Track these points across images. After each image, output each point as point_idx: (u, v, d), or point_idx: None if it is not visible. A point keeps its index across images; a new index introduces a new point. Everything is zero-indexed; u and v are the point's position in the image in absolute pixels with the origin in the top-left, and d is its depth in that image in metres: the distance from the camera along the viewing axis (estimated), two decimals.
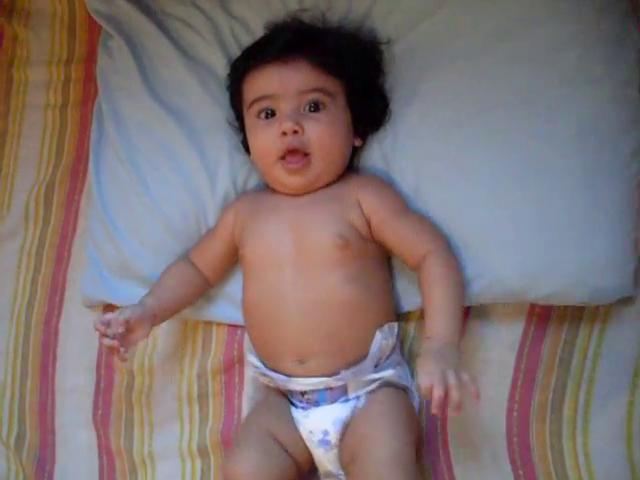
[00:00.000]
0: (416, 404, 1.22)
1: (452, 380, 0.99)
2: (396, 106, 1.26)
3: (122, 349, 1.16)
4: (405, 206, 1.21)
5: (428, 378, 0.99)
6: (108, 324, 1.16)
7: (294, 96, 1.19)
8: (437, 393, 0.97)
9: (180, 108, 1.37)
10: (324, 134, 1.19)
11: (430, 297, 1.13)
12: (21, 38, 1.61)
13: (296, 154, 1.20)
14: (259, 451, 1.14)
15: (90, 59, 1.55)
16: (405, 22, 1.26)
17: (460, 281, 1.14)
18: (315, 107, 1.20)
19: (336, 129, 1.21)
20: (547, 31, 1.15)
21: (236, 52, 1.34)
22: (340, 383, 1.16)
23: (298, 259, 1.18)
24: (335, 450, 1.16)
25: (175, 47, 1.39)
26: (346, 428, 1.15)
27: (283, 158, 1.20)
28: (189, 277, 1.30)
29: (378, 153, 1.27)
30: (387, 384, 1.18)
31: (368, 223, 1.19)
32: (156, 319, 1.24)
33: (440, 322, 1.10)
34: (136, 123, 1.39)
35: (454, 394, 0.98)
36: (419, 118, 1.23)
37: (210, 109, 1.36)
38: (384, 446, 1.07)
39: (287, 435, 1.18)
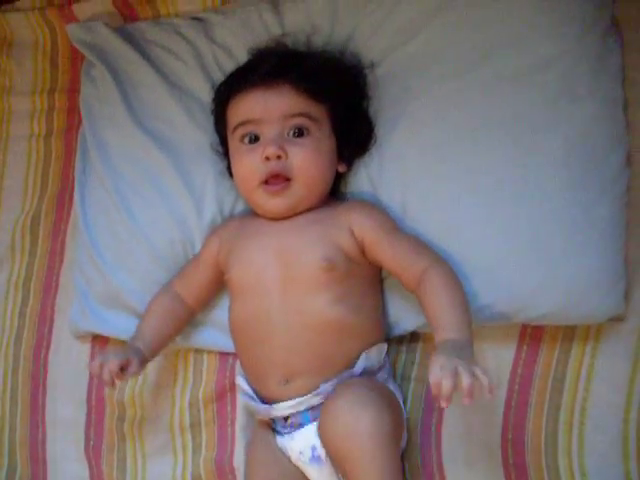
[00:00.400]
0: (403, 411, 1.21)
1: (463, 369, 0.93)
2: (381, 129, 1.25)
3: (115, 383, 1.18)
4: (396, 226, 1.21)
5: (438, 371, 0.94)
6: (101, 367, 1.17)
7: (278, 121, 1.19)
8: (446, 384, 0.92)
9: (164, 135, 1.37)
10: (308, 160, 1.18)
11: (436, 304, 1.08)
12: (3, 68, 1.61)
13: (278, 178, 1.19)
14: None
15: (73, 88, 1.55)
16: (388, 45, 1.26)
17: (463, 289, 1.11)
18: (299, 132, 1.19)
19: (320, 155, 1.20)
20: (529, 51, 1.15)
21: (219, 78, 1.33)
22: (320, 400, 1.13)
23: (284, 283, 1.17)
24: (327, 464, 1.14)
25: (158, 74, 1.38)
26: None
27: (265, 183, 1.19)
28: (173, 311, 1.30)
29: (365, 177, 1.27)
30: None
31: (360, 245, 1.18)
32: (147, 358, 1.24)
33: (451, 323, 1.05)
34: (121, 151, 1.38)
35: (465, 379, 0.92)
36: (405, 141, 1.22)
37: (194, 136, 1.35)
38: (366, 429, 1.02)
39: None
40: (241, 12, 1.38)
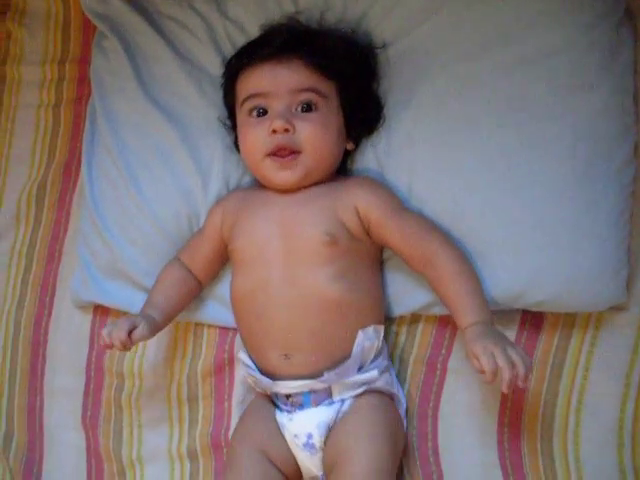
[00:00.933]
0: (402, 411, 1.22)
1: (515, 356, 1.00)
2: (390, 110, 1.25)
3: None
4: (402, 204, 1.21)
5: (492, 361, 1.00)
6: (110, 335, 1.16)
7: (287, 95, 1.19)
8: (507, 375, 0.99)
9: (174, 109, 1.37)
10: (315, 134, 1.18)
11: (453, 289, 1.12)
12: (15, 36, 1.61)
13: (285, 151, 1.19)
14: (254, 476, 1.15)
15: (84, 59, 1.54)
16: (401, 26, 1.26)
17: (474, 269, 1.14)
18: (307, 107, 1.19)
19: (328, 130, 1.20)
20: (541, 37, 1.15)
21: (231, 53, 1.33)
22: (324, 385, 1.15)
23: (286, 255, 1.17)
24: (320, 454, 1.16)
25: (170, 48, 1.38)
26: (330, 432, 1.15)
27: (272, 155, 1.19)
28: (182, 280, 1.30)
29: (372, 157, 1.27)
30: (373, 390, 1.17)
31: (366, 223, 1.18)
32: (158, 325, 1.24)
33: (473, 306, 1.10)
34: (129, 123, 1.38)
35: (520, 370, 0.99)
36: (413, 123, 1.22)
37: (204, 110, 1.35)
38: (363, 461, 1.08)
39: (277, 449, 1.18)
40: None
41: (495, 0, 1.18)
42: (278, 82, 1.19)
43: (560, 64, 1.14)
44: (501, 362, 0.99)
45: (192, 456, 1.34)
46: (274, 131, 1.17)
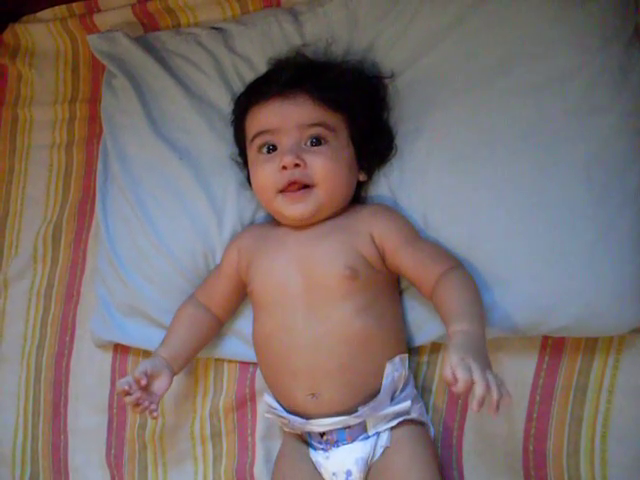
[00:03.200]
0: (431, 436, 1.21)
1: (492, 379, 0.92)
2: (402, 140, 1.25)
3: (152, 405, 1.18)
4: (417, 232, 1.21)
5: (468, 374, 0.91)
6: (128, 384, 1.16)
7: (295, 130, 1.19)
8: (481, 391, 0.90)
9: (185, 146, 1.37)
10: (326, 167, 1.18)
11: (449, 299, 1.08)
12: (25, 78, 1.63)
13: (295, 185, 1.19)
14: None
15: (94, 98, 1.56)
16: (408, 56, 1.26)
17: (479, 291, 1.10)
18: (317, 141, 1.20)
19: (338, 163, 1.20)
20: (551, 62, 1.15)
21: (240, 89, 1.34)
22: (358, 420, 1.14)
23: (308, 293, 1.17)
24: None
25: (179, 85, 1.39)
26: (371, 468, 1.14)
27: (283, 191, 1.20)
28: (200, 320, 1.30)
29: (385, 188, 1.27)
30: (407, 421, 1.16)
31: (381, 251, 1.18)
32: (174, 368, 1.24)
33: (463, 314, 1.04)
34: (141, 161, 1.39)
35: (478, 389, 0.90)
36: (425, 152, 1.22)
37: (215, 146, 1.36)
38: None
39: None
40: (261, 22, 1.38)
41: (503, 27, 1.19)
42: (286, 118, 1.19)
43: (572, 88, 1.14)
44: (476, 377, 0.91)
45: None
46: (284, 167, 1.17)
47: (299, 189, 1.19)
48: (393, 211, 1.23)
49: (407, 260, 1.17)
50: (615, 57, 1.14)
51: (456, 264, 1.14)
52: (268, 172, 1.20)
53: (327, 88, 1.21)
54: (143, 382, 1.16)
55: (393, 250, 1.18)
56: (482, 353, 0.99)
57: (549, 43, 1.15)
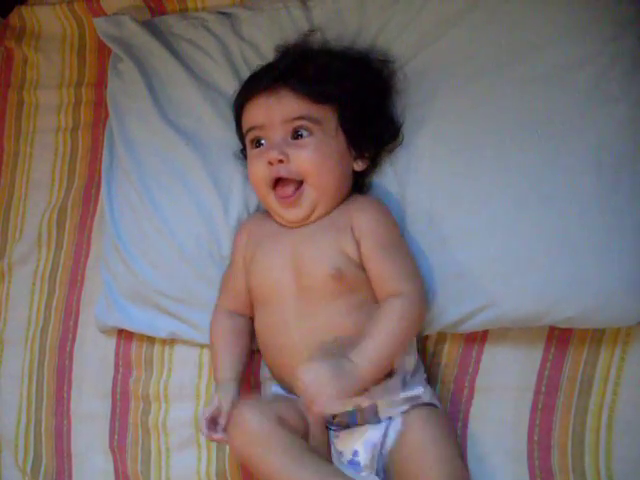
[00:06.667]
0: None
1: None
2: (409, 128, 1.24)
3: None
4: (396, 238, 1.20)
5: (311, 377, 1.03)
6: (213, 422, 1.17)
7: (279, 125, 1.19)
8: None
9: (191, 131, 1.37)
10: (310, 159, 1.18)
11: (373, 327, 1.10)
12: (31, 61, 1.62)
13: (287, 184, 1.19)
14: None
15: (100, 82, 1.55)
16: (417, 42, 1.25)
17: (413, 327, 1.14)
18: (300, 135, 1.19)
19: (323, 154, 1.19)
20: (562, 51, 1.14)
21: (247, 75, 1.33)
22: (370, 402, 1.14)
23: (299, 291, 1.17)
24: (364, 473, 1.14)
25: (185, 70, 1.38)
26: (390, 456, 1.13)
27: (274, 188, 1.20)
28: (239, 329, 1.28)
29: (392, 175, 1.26)
30: (418, 405, 1.16)
31: (358, 246, 1.18)
32: (241, 383, 1.24)
33: (360, 348, 1.08)
34: (147, 146, 1.39)
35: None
36: (432, 140, 1.22)
37: (222, 131, 1.35)
38: (444, 469, 1.07)
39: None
40: (269, 7, 1.38)
41: (513, 15, 1.18)
42: (271, 114, 1.20)
43: (582, 78, 1.13)
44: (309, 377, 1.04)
45: (221, 478, 1.33)
46: (270, 162, 1.18)
47: (292, 194, 1.19)
48: (381, 210, 1.22)
49: (371, 265, 1.16)
50: (627, 47, 1.13)
51: (408, 291, 1.13)
52: (259, 167, 1.21)
53: (311, 81, 1.20)
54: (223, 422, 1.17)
55: (364, 249, 1.17)
56: (347, 380, 1.05)
57: (560, 32, 1.15)
